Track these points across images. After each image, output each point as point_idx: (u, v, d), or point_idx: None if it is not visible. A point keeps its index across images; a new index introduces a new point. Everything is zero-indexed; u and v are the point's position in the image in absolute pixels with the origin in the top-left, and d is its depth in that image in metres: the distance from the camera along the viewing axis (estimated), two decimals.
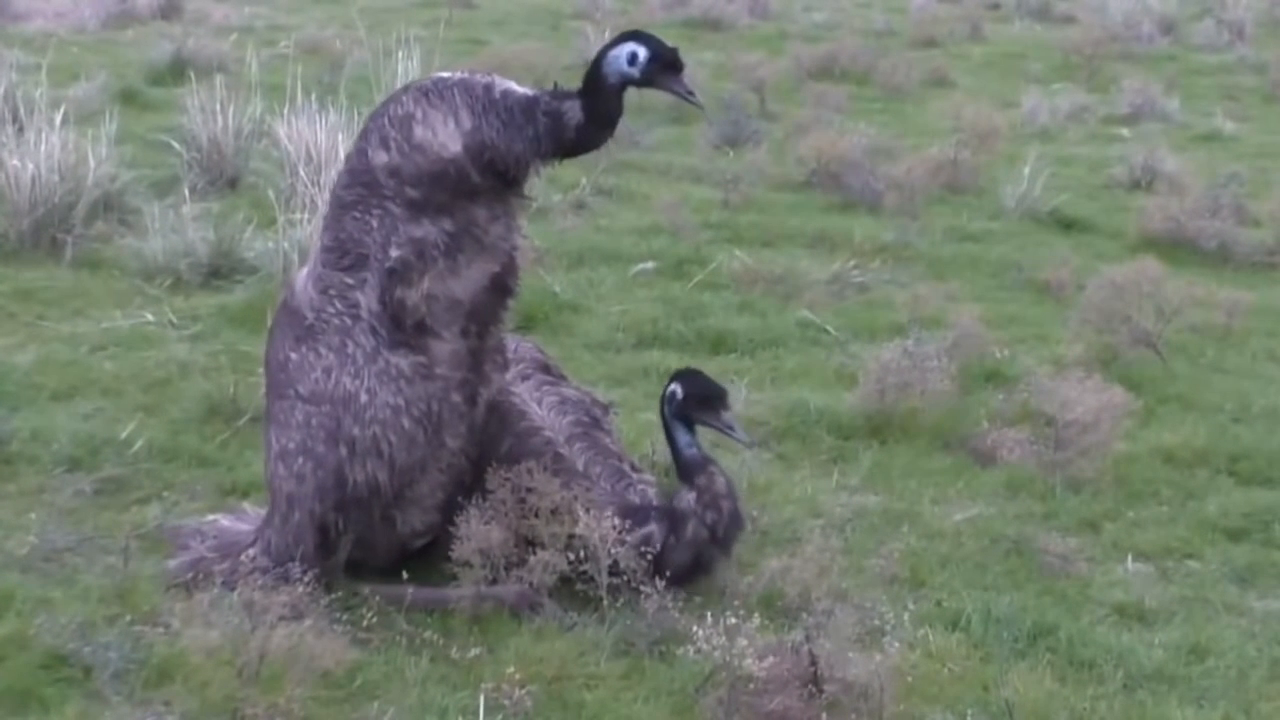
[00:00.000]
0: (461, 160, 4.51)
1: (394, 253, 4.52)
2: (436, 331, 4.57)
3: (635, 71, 4.54)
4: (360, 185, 4.58)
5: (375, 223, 4.54)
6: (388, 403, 4.54)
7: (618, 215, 9.42)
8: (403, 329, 4.54)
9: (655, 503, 4.85)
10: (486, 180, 4.54)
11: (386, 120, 4.57)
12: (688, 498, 4.75)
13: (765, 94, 13.06)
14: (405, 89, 4.67)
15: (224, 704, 4.03)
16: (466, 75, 4.64)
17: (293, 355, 4.64)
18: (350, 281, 4.57)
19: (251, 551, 4.61)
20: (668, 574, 4.62)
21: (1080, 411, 5.79)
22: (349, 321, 4.57)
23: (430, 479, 4.72)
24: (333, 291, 4.59)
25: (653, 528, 4.73)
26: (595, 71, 4.55)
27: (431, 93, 4.56)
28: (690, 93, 4.62)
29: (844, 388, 6.56)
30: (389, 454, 4.56)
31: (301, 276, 4.74)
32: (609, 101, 4.55)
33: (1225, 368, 7.23)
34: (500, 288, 4.67)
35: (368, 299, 4.55)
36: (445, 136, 4.51)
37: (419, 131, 4.52)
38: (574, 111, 4.52)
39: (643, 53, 4.53)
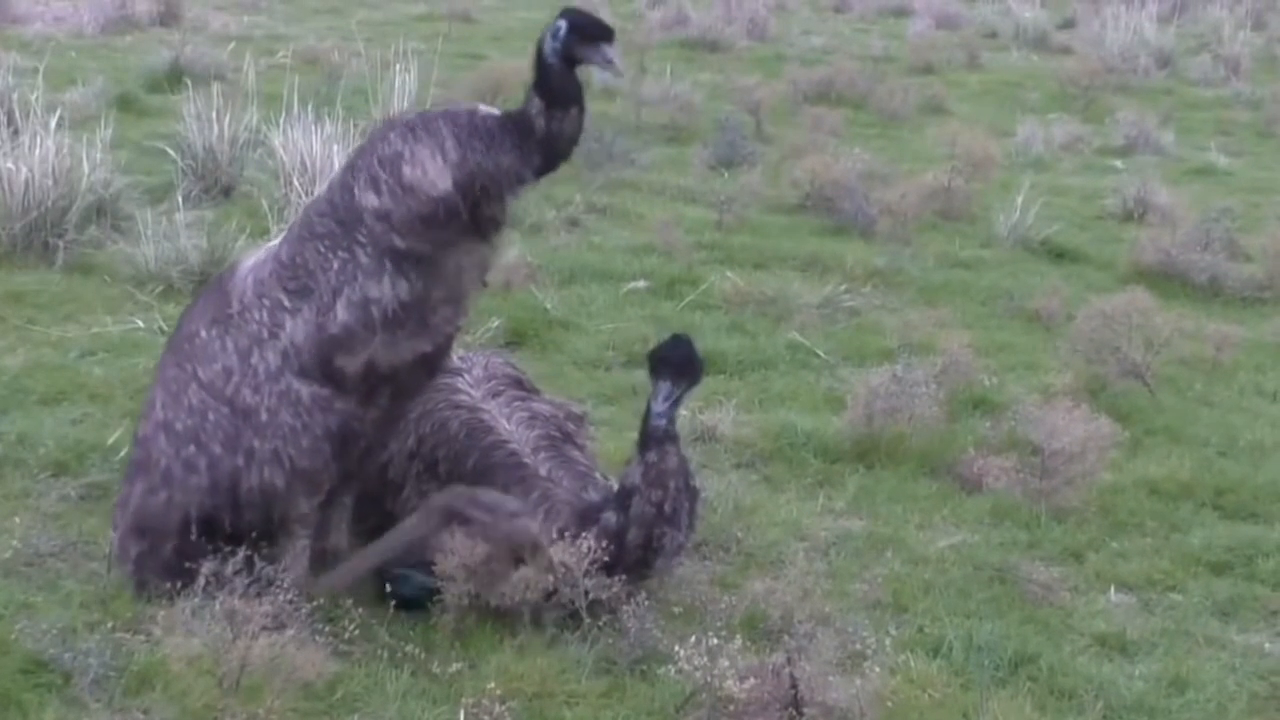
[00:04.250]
0: (452, 197, 4.45)
1: (340, 313, 4.46)
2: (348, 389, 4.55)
3: (559, 45, 4.48)
4: (336, 221, 4.51)
5: (336, 265, 4.48)
6: (288, 422, 4.51)
7: (611, 233, 9.43)
8: (343, 390, 4.51)
9: (612, 492, 4.81)
10: (477, 215, 4.49)
11: (375, 160, 4.50)
12: (635, 473, 4.69)
13: (761, 116, 13.07)
14: (391, 125, 4.61)
15: (204, 713, 4.03)
16: (450, 106, 4.62)
17: (202, 332, 4.61)
18: (287, 305, 4.52)
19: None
20: (627, 556, 4.63)
21: (1067, 441, 5.81)
22: (266, 335, 4.52)
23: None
24: (267, 301, 4.54)
25: (610, 514, 4.70)
26: (537, 55, 4.51)
27: (418, 128, 4.51)
28: (609, 61, 4.53)
29: (832, 411, 6.57)
30: (289, 464, 4.53)
31: (249, 265, 4.68)
32: (559, 79, 4.48)
33: (1213, 401, 7.25)
34: (426, 366, 4.64)
35: (293, 328, 4.50)
36: (434, 173, 4.45)
37: (408, 172, 4.45)
38: (534, 103, 4.48)
39: (563, 25, 4.48)
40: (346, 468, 4.69)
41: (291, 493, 4.58)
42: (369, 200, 4.48)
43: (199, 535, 4.55)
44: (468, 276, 4.60)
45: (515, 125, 4.50)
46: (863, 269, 8.81)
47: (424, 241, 4.47)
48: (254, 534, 4.54)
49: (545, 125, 4.50)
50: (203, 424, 4.57)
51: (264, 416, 4.52)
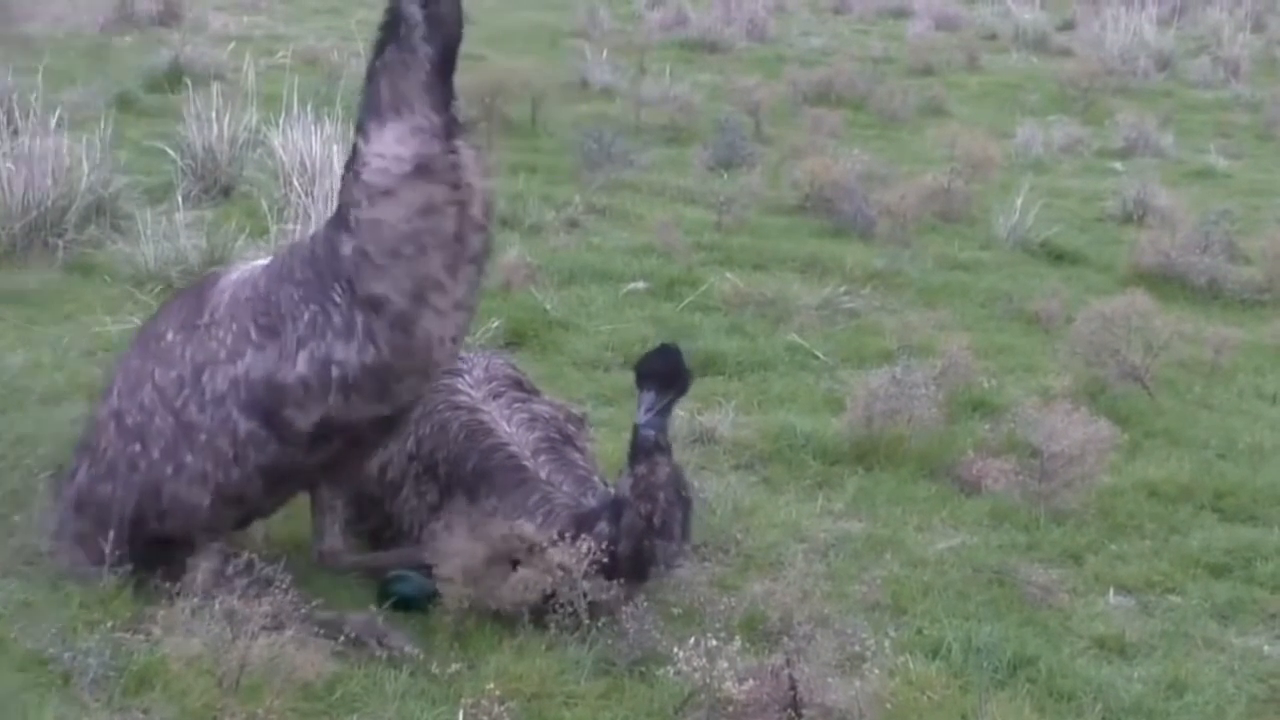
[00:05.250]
0: (424, 147, 4.27)
1: (300, 366, 4.36)
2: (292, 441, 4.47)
3: None
4: (315, 272, 4.39)
5: (307, 315, 4.37)
6: (222, 448, 4.47)
7: (610, 234, 9.43)
8: (290, 442, 4.43)
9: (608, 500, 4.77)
10: (451, 139, 4.30)
11: (347, 205, 4.34)
12: (625, 485, 4.65)
13: (761, 117, 13.07)
14: (341, 184, 4.42)
15: (203, 712, 4.03)
16: None
17: (170, 335, 4.58)
18: (253, 337, 4.43)
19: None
20: (619, 566, 4.60)
21: (1066, 443, 5.81)
22: (223, 357, 4.46)
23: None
24: (235, 325, 4.47)
25: (604, 525, 4.66)
26: None
27: (348, 161, 4.36)
28: None
29: (831, 413, 6.57)
30: (216, 486, 4.50)
31: (231, 279, 4.61)
32: None
33: (1212, 404, 7.26)
34: (385, 427, 4.58)
35: (251, 362, 4.42)
36: (390, 147, 4.28)
37: (372, 177, 4.28)
38: None
39: None
40: (279, 500, 4.68)
41: (214, 510, 4.53)
42: (347, 246, 4.32)
43: (131, 533, 4.58)
44: (438, 348, 4.43)
45: (389, 33, 4.31)
46: (862, 270, 8.81)
47: (404, 256, 4.27)
48: (174, 542, 4.55)
49: (420, 10, 4.28)
50: (149, 425, 4.56)
51: (202, 437, 4.48)
